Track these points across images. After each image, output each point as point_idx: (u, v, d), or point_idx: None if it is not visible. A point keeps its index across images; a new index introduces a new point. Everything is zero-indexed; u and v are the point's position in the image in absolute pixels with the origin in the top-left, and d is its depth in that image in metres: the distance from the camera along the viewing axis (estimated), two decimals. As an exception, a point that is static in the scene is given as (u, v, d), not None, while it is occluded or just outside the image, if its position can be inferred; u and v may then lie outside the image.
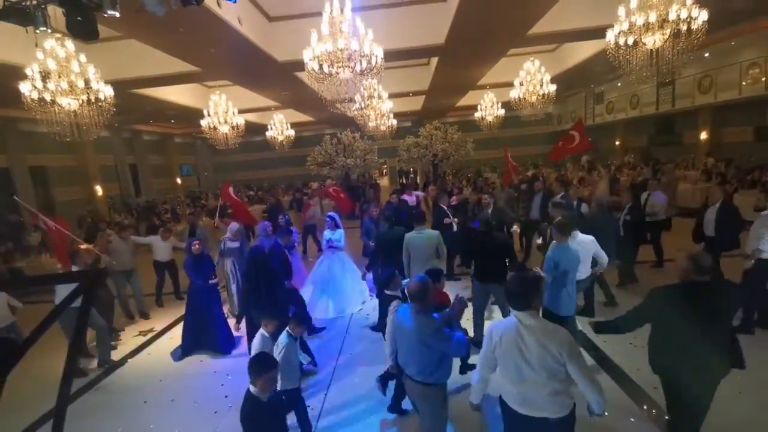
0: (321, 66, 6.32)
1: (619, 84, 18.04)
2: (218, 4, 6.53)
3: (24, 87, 6.29)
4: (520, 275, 2.31)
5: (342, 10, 5.99)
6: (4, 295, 4.39)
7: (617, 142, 20.55)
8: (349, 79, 6.67)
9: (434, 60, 12.36)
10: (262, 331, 3.36)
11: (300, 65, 6.89)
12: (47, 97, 6.39)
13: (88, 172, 16.54)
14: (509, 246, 4.69)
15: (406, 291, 2.82)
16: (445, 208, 7.17)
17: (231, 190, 7.69)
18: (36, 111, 6.52)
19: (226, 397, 4.16)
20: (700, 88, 13.91)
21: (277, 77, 11.58)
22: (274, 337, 3.32)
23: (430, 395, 2.67)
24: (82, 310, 1.02)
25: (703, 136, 14.99)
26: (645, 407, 3.48)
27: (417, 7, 9.39)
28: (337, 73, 6.47)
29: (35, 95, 6.36)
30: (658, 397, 2.96)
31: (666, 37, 6.09)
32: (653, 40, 6.17)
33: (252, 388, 2.48)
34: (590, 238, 4.37)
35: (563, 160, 8.97)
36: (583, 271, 4.29)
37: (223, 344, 5.18)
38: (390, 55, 8.18)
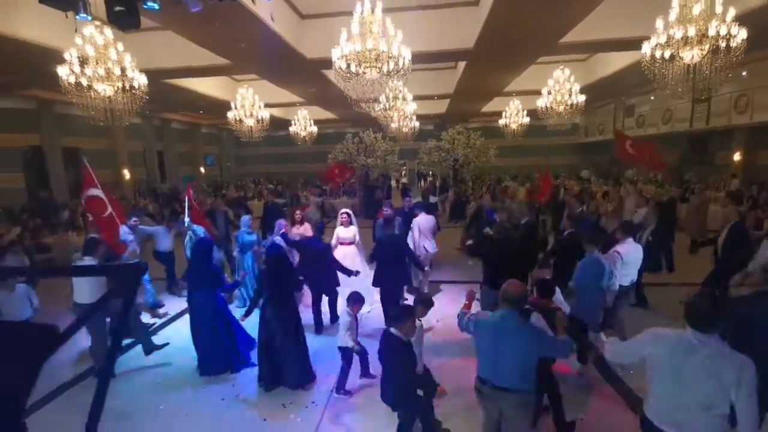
0: (348, 65, 6.36)
1: (652, 97, 17.52)
2: (253, 0, 6.65)
3: (62, 71, 6.51)
4: (711, 295, 2.19)
5: (373, 11, 6.01)
6: (24, 288, 4.10)
7: (645, 158, 19.95)
8: (376, 79, 6.70)
9: (461, 64, 12.28)
10: (347, 309, 4.02)
11: (328, 63, 6.95)
12: (84, 82, 6.62)
13: (118, 156, 17.10)
14: (527, 253, 4.67)
15: (500, 293, 2.65)
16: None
17: (191, 192, 7.06)
18: (72, 95, 6.75)
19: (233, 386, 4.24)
20: (737, 107, 13.39)
21: (305, 74, 11.72)
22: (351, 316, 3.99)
23: (529, 402, 2.62)
24: (125, 306, 1.01)
25: (737, 157, 14.43)
26: None
27: (448, 11, 9.34)
28: (364, 72, 6.51)
29: (72, 79, 6.57)
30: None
31: (704, 52, 5.90)
32: (691, 55, 5.98)
33: (395, 331, 2.92)
34: (638, 247, 4.56)
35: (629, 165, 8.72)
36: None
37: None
38: (418, 58, 8.16)
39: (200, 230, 6.43)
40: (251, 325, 4.65)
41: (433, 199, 12.93)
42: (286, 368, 4.14)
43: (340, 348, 4.01)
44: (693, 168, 15.78)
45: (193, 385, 4.35)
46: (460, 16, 9.23)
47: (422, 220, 6.68)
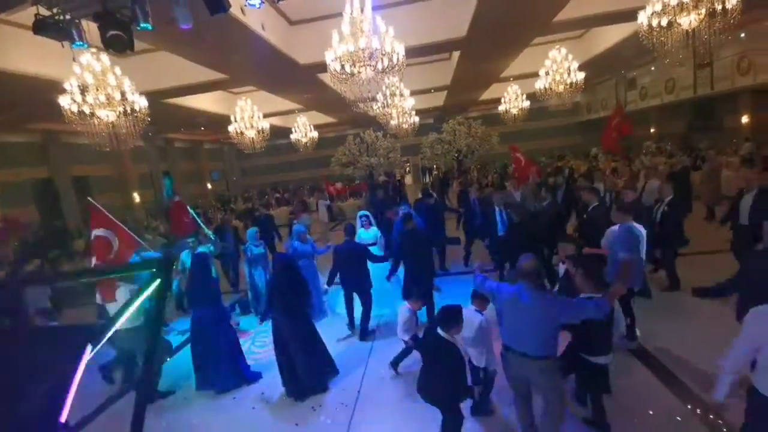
0: (343, 66, 6.36)
1: (652, 68, 17.25)
2: (242, 11, 6.69)
3: (64, 100, 6.64)
4: None
5: (362, 10, 6.00)
6: (48, 291, 4.18)
7: (652, 130, 19.66)
8: (371, 78, 6.69)
9: (455, 54, 12.21)
10: (408, 306, 4.06)
11: (322, 67, 6.97)
12: (86, 109, 6.74)
13: (126, 181, 17.37)
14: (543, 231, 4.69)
15: (518, 269, 2.85)
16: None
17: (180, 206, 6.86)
18: (76, 123, 6.88)
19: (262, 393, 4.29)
20: (739, 69, 13.11)
21: (300, 80, 11.76)
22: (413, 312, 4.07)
23: (552, 368, 2.72)
24: (159, 298, 0.99)
25: (745, 120, 14.12)
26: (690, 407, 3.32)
27: (437, 1, 9.30)
28: (359, 72, 6.50)
29: (75, 108, 6.70)
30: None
31: (701, 17, 5.79)
32: (689, 21, 5.88)
33: (444, 334, 2.90)
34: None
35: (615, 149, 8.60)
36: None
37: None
38: (411, 52, 8.13)
39: (205, 247, 6.13)
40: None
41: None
42: (304, 375, 4.14)
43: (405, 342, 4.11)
44: (705, 135, 15.47)
45: (222, 396, 4.38)
46: (449, 5, 9.18)
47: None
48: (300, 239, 5.99)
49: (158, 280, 0.95)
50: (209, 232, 6.50)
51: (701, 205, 8.73)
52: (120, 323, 0.99)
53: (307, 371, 4.12)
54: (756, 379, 2.16)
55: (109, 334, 0.92)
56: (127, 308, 0.96)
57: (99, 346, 0.89)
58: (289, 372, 4.15)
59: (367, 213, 6.51)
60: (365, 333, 5.25)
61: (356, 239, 5.94)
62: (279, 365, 4.20)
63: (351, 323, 5.51)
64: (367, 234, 6.24)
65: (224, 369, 4.38)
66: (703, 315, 4.57)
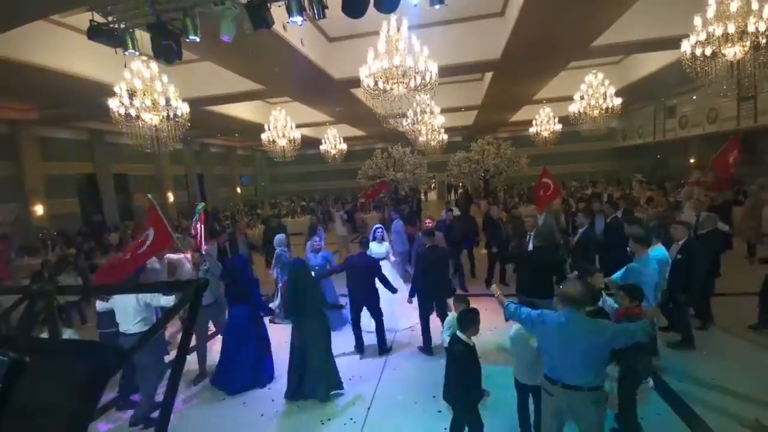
0: (376, 82, 6.50)
1: (694, 97, 16.66)
2: (284, 27, 6.97)
3: (112, 103, 7.05)
4: None
5: (399, 29, 6.14)
6: None
7: (691, 160, 18.90)
8: (403, 94, 6.79)
9: (488, 75, 12.23)
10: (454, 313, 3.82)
11: (355, 82, 7.14)
12: (132, 112, 7.13)
13: (162, 181, 18.16)
14: (560, 264, 4.55)
15: (560, 294, 2.70)
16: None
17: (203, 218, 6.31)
18: (122, 124, 7.28)
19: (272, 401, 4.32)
20: (787, 103, 12.51)
21: (333, 94, 12.06)
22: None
23: (600, 399, 2.57)
24: (189, 323, 0.96)
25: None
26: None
27: (473, 23, 9.39)
28: (392, 89, 6.62)
29: (122, 110, 7.10)
30: None
31: (746, 49, 5.62)
32: (733, 52, 5.70)
33: (462, 336, 3.03)
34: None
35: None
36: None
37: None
38: (444, 71, 8.22)
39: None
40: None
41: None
42: (312, 380, 4.17)
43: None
44: (747, 168, 14.73)
45: (231, 404, 4.38)
46: (485, 27, 9.25)
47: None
48: (314, 249, 6.04)
49: (190, 300, 0.93)
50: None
51: (741, 242, 8.29)
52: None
53: (318, 378, 4.15)
54: None
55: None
56: (153, 334, 0.95)
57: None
58: (295, 377, 4.22)
59: (381, 226, 6.58)
60: (382, 346, 5.18)
61: (368, 252, 6.00)
62: (288, 370, 4.26)
63: (358, 343, 5.29)
64: (379, 248, 6.29)
65: (245, 369, 4.49)
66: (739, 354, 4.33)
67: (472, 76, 13.76)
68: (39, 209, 12.72)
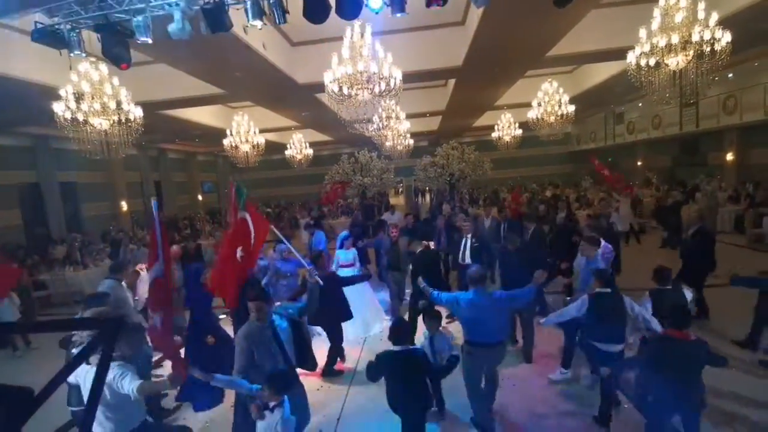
0: (341, 88, 6.46)
1: (640, 104, 17.82)
2: (244, 30, 6.78)
3: (58, 107, 6.58)
4: None
5: (362, 35, 6.14)
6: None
7: (639, 163, 20.16)
8: (368, 100, 6.79)
9: (451, 81, 12.49)
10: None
11: (320, 87, 7.06)
12: (80, 117, 6.68)
13: (115, 189, 17.12)
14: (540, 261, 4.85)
15: (468, 277, 3.55)
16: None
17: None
18: (68, 130, 6.80)
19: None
20: (725, 108, 13.60)
21: (298, 99, 11.88)
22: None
23: (506, 347, 3.64)
24: (101, 367, 0.87)
25: (729, 157, 14.57)
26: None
27: (435, 31, 9.55)
28: (356, 94, 6.60)
29: (68, 115, 6.63)
30: None
31: (689, 58, 6.01)
32: (676, 62, 6.10)
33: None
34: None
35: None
36: None
37: None
38: (408, 77, 8.30)
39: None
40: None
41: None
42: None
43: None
44: (689, 170, 15.89)
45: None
46: (447, 35, 9.44)
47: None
48: (282, 257, 5.81)
49: (104, 343, 0.85)
50: None
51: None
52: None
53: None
54: None
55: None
56: (65, 376, 0.85)
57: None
58: None
59: (348, 234, 6.67)
60: (333, 362, 4.96)
61: (335, 258, 6.32)
62: None
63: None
64: (347, 255, 6.34)
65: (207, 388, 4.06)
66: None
67: (436, 82, 14.01)
68: (-26, 222, 11.66)
